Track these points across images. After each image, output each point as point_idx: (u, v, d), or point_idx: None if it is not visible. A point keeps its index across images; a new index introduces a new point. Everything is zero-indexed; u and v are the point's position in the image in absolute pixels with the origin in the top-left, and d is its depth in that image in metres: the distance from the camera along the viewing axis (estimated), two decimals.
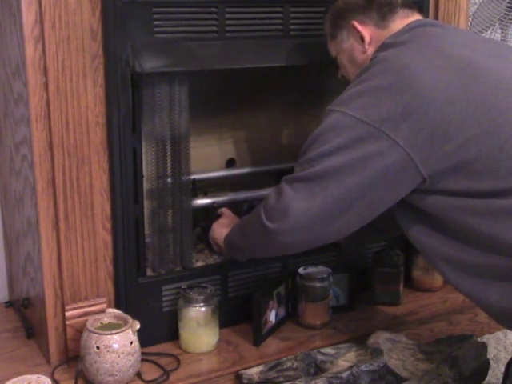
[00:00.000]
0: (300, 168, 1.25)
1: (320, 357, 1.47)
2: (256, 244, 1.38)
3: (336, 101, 1.26)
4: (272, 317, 1.57)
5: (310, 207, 1.22)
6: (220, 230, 1.56)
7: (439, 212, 1.22)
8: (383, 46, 1.30)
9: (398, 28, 1.33)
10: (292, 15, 1.54)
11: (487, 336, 1.75)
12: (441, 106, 1.16)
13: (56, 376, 1.40)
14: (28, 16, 1.27)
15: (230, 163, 1.86)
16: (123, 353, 1.34)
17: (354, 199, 1.21)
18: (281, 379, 1.42)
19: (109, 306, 1.46)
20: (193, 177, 1.57)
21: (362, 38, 1.36)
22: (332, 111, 1.24)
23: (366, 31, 1.35)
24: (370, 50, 1.35)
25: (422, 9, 1.71)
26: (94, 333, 1.34)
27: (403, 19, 1.34)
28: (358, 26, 1.35)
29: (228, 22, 1.46)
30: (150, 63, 1.37)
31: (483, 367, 1.46)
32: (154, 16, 1.38)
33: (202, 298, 1.48)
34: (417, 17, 1.36)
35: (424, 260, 1.76)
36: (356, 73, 1.31)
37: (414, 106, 1.16)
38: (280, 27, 1.54)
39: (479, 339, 1.59)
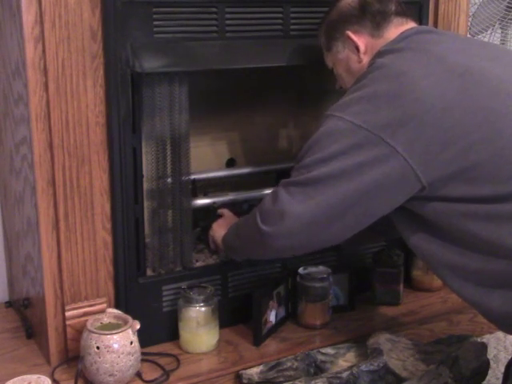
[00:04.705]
0: (297, 173, 1.25)
1: (320, 357, 1.47)
2: (252, 246, 1.39)
3: (334, 106, 1.26)
4: (272, 317, 1.57)
5: (305, 212, 1.22)
6: (219, 230, 1.56)
7: (440, 218, 1.22)
8: (379, 54, 1.30)
9: (392, 36, 1.33)
10: (292, 15, 1.54)
11: (487, 336, 1.75)
12: (439, 113, 1.15)
13: (56, 376, 1.40)
14: (28, 16, 1.27)
15: (230, 163, 1.87)
16: (123, 353, 1.34)
17: (349, 205, 1.21)
18: (281, 379, 1.42)
19: (109, 306, 1.46)
20: (193, 177, 1.57)
21: (357, 48, 1.36)
22: (330, 117, 1.24)
23: (361, 41, 1.35)
24: (366, 60, 1.35)
25: (422, 9, 1.71)
26: (93, 333, 1.34)
27: (398, 27, 1.34)
28: (353, 36, 1.36)
29: (228, 21, 1.46)
30: (150, 63, 1.37)
31: (483, 367, 1.46)
32: (154, 16, 1.38)
33: (201, 297, 1.48)
34: (411, 24, 1.36)
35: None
36: (352, 82, 1.32)
37: (412, 113, 1.16)
38: (280, 27, 1.54)
39: (479, 339, 1.59)
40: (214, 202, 1.67)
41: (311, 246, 1.30)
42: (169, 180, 1.50)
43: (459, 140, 1.15)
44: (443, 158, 1.16)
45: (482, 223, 1.17)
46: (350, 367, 1.40)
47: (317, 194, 1.21)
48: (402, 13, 1.36)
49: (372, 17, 1.35)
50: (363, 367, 1.39)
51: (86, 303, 1.43)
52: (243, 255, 1.50)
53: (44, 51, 1.29)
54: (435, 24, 1.74)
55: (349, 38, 1.36)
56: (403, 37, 1.31)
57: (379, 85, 1.21)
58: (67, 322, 1.42)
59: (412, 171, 1.17)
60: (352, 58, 1.38)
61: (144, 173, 1.47)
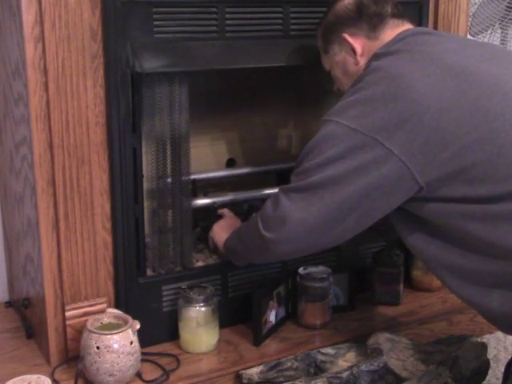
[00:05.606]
0: (296, 178, 1.26)
1: (320, 357, 1.47)
2: (254, 251, 1.40)
3: (331, 111, 1.26)
4: (272, 317, 1.57)
5: (306, 217, 1.23)
6: (220, 233, 1.57)
7: (438, 219, 1.22)
8: (376, 56, 1.31)
9: (389, 38, 1.33)
10: (292, 15, 1.54)
11: (487, 336, 1.75)
12: (436, 113, 1.16)
13: (56, 376, 1.40)
14: (28, 16, 1.27)
15: (230, 163, 1.87)
16: (123, 353, 1.34)
17: (350, 208, 1.21)
18: (281, 379, 1.42)
19: (109, 306, 1.46)
20: (193, 177, 1.57)
21: (354, 50, 1.36)
22: (327, 121, 1.25)
23: (357, 43, 1.36)
24: (362, 62, 1.36)
25: (422, 9, 1.71)
26: (94, 333, 1.34)
27: (394, 29, 1.35)
28: (349, 39, 1.36)
29: (228, 22, 1.46)
30: (150, 63, 1.37)
31: (483, 367, 1.46)
32: (154, 16, 1.38)
33: (201, 297, 1.48)
34: (408, 26, 1.36)
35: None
36: (350, 85, 1.32)
37: (409, 114, 1.16)
38: (280, 27, 1.54)
39: (479, 339, 1.59)
40: (213, 202, 1.67)
41: (313, 249, 1.31)
42: (169, 180, 1.50)
43: (456, 140, 1.15)
44: (440, 159, 1.16)
45: (480, 223, 1.17)
46: (350, 367, 1.40)
47: (317, 198, 1.22)
48: (399, 14, 1.37)
49: (368, 19, 1.35)
50: (363, 367, 1.39)
51: (86, 303, 1.43)
52: (245, 260, 1.50)
53: (44, 51, 1.29)
54: (435, 24, 1.74)
55: (345, 40, 1.36)
56: (399, 38, 1.31)
57: (376, 87, 1.21)
58: (67, 322, 1.42)
59: (409, 172, 1.17)
60: (349, 60, 1.38)
61: (144, 173, 1.47)
